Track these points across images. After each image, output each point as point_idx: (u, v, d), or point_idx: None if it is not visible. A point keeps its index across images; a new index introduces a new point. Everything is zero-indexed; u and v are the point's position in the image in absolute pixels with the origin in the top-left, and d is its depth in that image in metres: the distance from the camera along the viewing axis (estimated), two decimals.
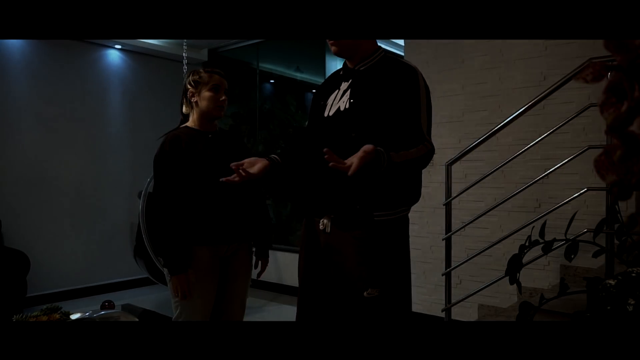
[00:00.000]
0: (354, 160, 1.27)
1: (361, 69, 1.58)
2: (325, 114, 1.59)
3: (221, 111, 2.04)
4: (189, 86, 2.03)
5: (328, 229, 1.52)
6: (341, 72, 1.65)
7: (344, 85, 1.58)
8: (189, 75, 2.06)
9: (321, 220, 1.54)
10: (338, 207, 1.50)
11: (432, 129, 1.62)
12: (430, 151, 1.46)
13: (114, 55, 4.85)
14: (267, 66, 5.58)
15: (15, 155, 4.16)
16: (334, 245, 1.51)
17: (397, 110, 1.48)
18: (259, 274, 2.18)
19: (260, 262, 2.18)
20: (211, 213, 1.96)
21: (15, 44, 4.18)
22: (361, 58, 1.59)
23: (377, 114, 1.48)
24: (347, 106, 1.52)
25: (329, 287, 1.56)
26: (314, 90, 5.70)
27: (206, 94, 2.00)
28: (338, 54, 1.58)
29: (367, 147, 1.32)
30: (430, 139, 1.51)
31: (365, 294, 1.43)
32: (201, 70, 2.05)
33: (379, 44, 1.65)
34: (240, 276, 2.08)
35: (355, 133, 1.47)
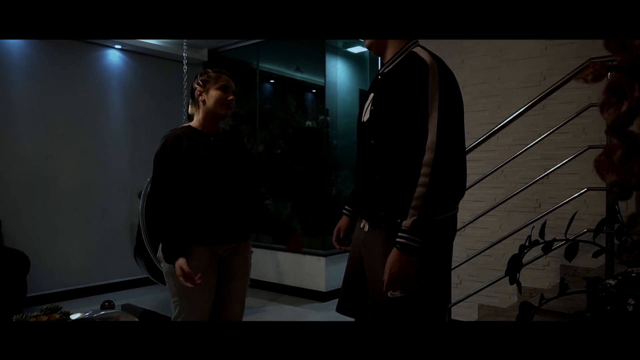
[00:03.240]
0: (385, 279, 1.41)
1: (385, 71, 1.57)
2: (362, 120, 1.63)
3: (228, 110, 2.04)
4: (196, 85, 2.03)
5: (366, 228, 1.60)
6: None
7: (374, 90, 1.60)
8: (197, 76, 2.06)
9: (362, 220, 1.64)
10: (368, 212, 1.59)
11: None
12: (438, 159, 1.37)
13: (114, 55, 4.85)
14: (267, 66, 5.58)
15: (15, 155, 4.16)
16: (368, 242, 1.59)
17: (407, 116, 1.43)
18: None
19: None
20: (210, 213, 1.96)
21: (15, 44, 4.18)
22: (389, 58, 1.57)
23: (392, 121, 1.47)
24: (369, 114, 1.56)
25: (363, 281, 1.63)
26: (314, 90, 5.71)
27: (214, 92, 2.00)
28: (369, 49, 1.62)
29: (388, 261, 1.41)
30: (443, 141, 1.38)
31: (389, 294, 1.44)
32: (209, 70, 2.05)
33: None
34: (238, 276, 2.08)
35: (374, 140, 1.52)
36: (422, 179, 1.38)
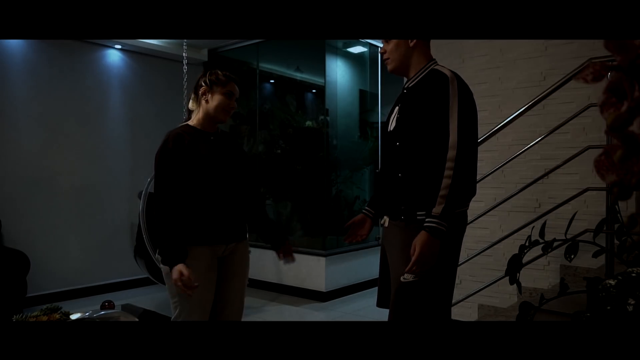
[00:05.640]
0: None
1: (410, 86, 1.76)
2: (388, 129, 1.82)
3: (227, 116, 2.05)
4: (203, 84, 2.02)
5: (386, 224, 1.80)
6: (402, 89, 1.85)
7: (400, 103, 1.80)
8: (206, 74, 2.05)
9: (384, 218, 1.83)
10: (390, 207, 1.77)
11: None
12: (460, 156, 1.55)
13: (114, 55, 4.84)
14: (267, 66, 5.57)
15: (15, 155, 4.15)
16: (388, 235, 1.79)
17: (430, 121, 1.62)
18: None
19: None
20: (210, 213, 1.96)
21: (15, 44, 4.18)
22: (412, 75, 1.76)
23: (416, 125, 1.66)
24: (395, 123, 1.75)
25: (388, 272, 1.80)
26: (314, 90, 5.70)
27: (218, 96, 2.00)
28: (393, 72, 1.82)
29: (414, 242, 1.55)
30: (464, 140, 1.57)
31: (401, 278, 1.61)
32: (219, 73, 2.05)
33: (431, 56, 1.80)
34: (238, 275, 2.08)
35: (399, 142, 1.71)
36: (447, 172, 1.56)
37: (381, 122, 5.35)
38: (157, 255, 2.05)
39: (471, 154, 1.61)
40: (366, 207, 1.98)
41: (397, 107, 1.80)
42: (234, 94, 2.04)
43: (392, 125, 1.78)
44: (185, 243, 1.92)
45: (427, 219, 1.57)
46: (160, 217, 1.90)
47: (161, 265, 2.01)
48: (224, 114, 2.03)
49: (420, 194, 1.63)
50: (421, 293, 1.60)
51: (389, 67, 1.79)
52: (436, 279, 1.63)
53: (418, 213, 1.64)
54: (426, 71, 1.73)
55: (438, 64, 1.75)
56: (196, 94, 2.05)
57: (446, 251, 1.65)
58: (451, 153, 1.56)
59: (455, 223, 1.67)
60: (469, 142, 1.59)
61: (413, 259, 1.54)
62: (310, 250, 4.58)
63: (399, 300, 1.63)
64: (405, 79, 1.81)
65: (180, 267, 1.83)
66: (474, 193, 1.69)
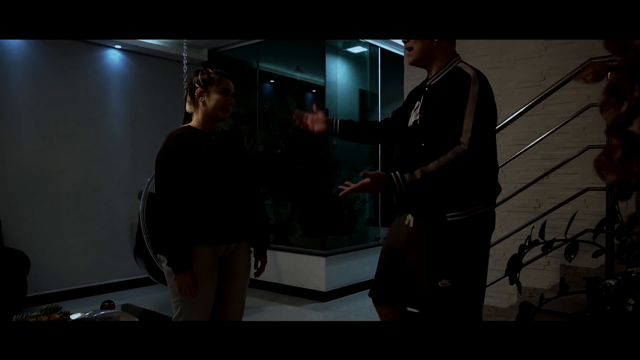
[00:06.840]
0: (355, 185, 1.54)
1: (432, 83, 1.71)
2: (408, 124, 1.77)
3: (227, 114, 2.06)
4: (197, 85, 2.01)
5: (411, 224, 1.71)
6: (423, 84, 1.79)
7: (421, 99, 1.74)
8: (197, 74, 2.04)
9: (407, 217, 1.74)
10: (416, 207, 1.70)
11: None
12: (465, 152, 1.51)
13: (114, 55, 4.84)
14: (267, 66, 5.57)
15: (15, 155, 4.15)
16: (413, 237, 1.70)
17: (447, 117, 1.59)
18: (258, 273, 2.20)
19: (259, 261, 2.19)
20: (211, 213, 1.96)
21: (15, 44, 4.18)
22: (434, 71, 1.72)
23: (439, 125, 1.62)
24: (418, 120, 1.71)
25: (403, 273, 1.77)
26: (314, 90, 5.70)
27: (215, 95, 2.00)
28: (413, 64, 1.74)
29: (375, 173, 1.52)
30: (476, 140, 1.53)
31: (439, 283, 1.60)
32: (210, 71, 2.04)
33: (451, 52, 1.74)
34: (239, 275, 2.08)
35: (424, 143, 1.66)
36: (444, 158, 1.51)
37: None
38: (158, 255, 2.06)
39: (478, 154, 1.56)
40: (337, 119, 1.92)
41: (418, 103, 1.74)
42: (230, 90, 2.04)
43: (411, 121, 1.73)
44: (189, 245, 1.92)
45: (395, 173, 1.53)
46: (164, 220, 1.90)
47: (162, 265, 2.01)
48: (223, 111, 2.03)
49: (450, 195, 1.60)
50: (461, 297, 1.60)
51: (410, 59, 1.73)
52: (472, 282, 1.63)
53: (448, 215, 1.60)
54: (449, 68, 1.67)
55: (462, 61, 1.69)
56: (192, 96, 2.04)
57: (477, 254, 1.64)
58: (459, 147, 1.52)
59: (482, 224, 1.66)
60: (479, 144, 1.54)
61: (359, 183, 1.54)
62: (310, 250, 4.58)
63: (440, 306, 1.61)
64: (427, 76, 1.76)
65: (187, 274, 1.87)
66: (497, 191, 1.69)
